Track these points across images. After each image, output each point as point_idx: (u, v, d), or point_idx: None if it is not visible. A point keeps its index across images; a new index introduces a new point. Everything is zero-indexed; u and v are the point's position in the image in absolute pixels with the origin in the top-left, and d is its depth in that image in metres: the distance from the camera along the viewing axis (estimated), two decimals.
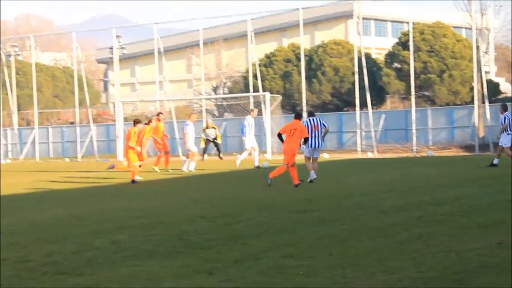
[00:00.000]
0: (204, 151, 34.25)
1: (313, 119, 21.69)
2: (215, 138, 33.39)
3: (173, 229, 12.56)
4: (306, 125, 21.26)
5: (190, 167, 29.90)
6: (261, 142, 46.85)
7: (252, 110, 32.42)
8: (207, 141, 33.39)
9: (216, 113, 59.27)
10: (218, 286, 8.10)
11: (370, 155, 41.98)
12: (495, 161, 25.80)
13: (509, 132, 25.79)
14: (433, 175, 23.58)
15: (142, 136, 25.93)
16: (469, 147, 41.40)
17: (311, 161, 21.81)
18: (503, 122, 26.04)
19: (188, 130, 30.10)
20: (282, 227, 12.33)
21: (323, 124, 21.82)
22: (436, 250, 9.68)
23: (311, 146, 21.46)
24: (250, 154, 31.52)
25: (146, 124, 28.18)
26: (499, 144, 26.29)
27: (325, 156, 42.08)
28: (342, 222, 12.82)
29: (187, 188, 22.49)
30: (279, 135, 21.03)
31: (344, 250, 10.04)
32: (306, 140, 21.02)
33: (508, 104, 30.26)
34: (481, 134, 41.38)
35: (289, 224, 12.73)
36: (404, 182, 20.97)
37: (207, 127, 33.54)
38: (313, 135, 21.32)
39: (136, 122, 25.59)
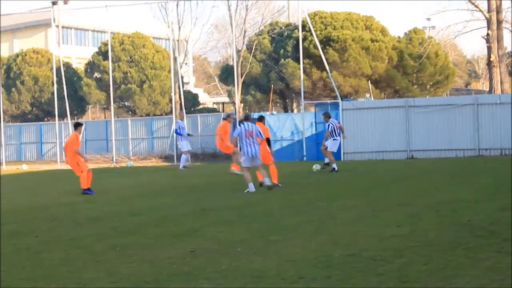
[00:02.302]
0: None
1: (248, 125, 19.68)
2: None
3: None
4: (240, 131, 19.54)
5: None
6: None
7: (180, 113, 34.63)
8: None
9: None
10: None
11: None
12: (334, 165, 26.07)
13: (336, 137, 26.77)
14: (132, 186, 23.78)
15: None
16: (168, 157, 42.27)
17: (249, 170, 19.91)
18: (327, 129, 26.60)
19: None
20: None
21: (259, 132, 19.87)
22: (129, 260, 9.80)
23: (248, 154, 19.56)
24: None
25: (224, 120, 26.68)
26: (328, 149, 26.82)
27: (23, 167, 41.05)
28: (37, 234, 12.63)
29: None
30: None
31: (38, 263, 9.91)
32: (268, 141, 20.82)
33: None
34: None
35: None
36: (102, 193, 20.91)
37: None
38: (248, 142, 19.53)
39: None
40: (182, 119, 33.64)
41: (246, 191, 19.10)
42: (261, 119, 22.19)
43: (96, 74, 51.37)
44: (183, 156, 32.74)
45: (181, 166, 31.94)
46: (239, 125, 20.03)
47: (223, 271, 8.94)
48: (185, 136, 32.71)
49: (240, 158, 20.00)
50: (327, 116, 27.34)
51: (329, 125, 26.73)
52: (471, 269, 8.56)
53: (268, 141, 21.11)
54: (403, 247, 10.00)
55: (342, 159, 35.05)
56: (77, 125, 21.96)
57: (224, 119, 28.99)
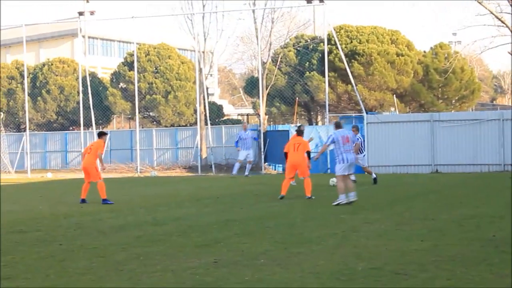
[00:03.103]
0: None
1: (344, 131, 18.97)
2: None
3: None
4: (336, 139, 18.68)
5: None
6: None
7: (244, 124, 36.38)
8: None
9: None
10: None
11: None
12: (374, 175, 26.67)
13: (364, 152, 27.76)
14: (155, 195, 23.83)
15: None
16: (192, 168, 42.36)
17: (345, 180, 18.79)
18: (358, 141, 26.45)
19: None
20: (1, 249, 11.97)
21: (354, 137, 19.38)
22: (153, 270, 9.82)
23: (346, 162, 18.63)
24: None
25: None
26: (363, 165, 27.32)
27: (48, 176, 41.29)
28: (61, 242, 12.69)
29: None
30: (285, 154, 21.25)
31: (62, 271, 9.95)
32: (309, 154, 20.95)
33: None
34: (204, 155, 42.51)
35: (9, 245, 12.41)
36: (126, 202, 21.00)
37: None
38: (346, 148, 18.65)
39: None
40: (245, 129, 34.51)
41: (335, 203, 18.29)
42: (300, 132, 22.06)
43: (122, 84, 51.58)
44: (236, 164, 34.63)
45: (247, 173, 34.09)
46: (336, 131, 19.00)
47: (246, 282, 8.94)
48: (249, 147, 34.53)
49: (336, 166, 18.91)
50: (357, 129, 27.02)
51: (358, 139, 26.54)
52: (495, 284, 8.52)
53: (308, 154, 21.05)
54: (427, 262, 9.95)
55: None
56: (101, 134, 21.98)
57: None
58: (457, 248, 11.07)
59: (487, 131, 34.00)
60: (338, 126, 19.32)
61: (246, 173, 34.19)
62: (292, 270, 9.60)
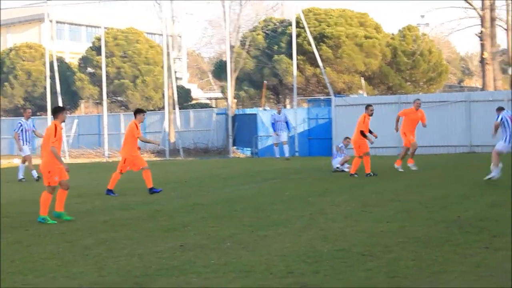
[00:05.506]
0: None
1: (507, 112, 18.57)
2: None
3: None
4: (505, 120, 18.30)
5: None
6: None
7: (278, 107, 34.98)
8: None
9: None
10: None
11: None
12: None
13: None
14: (123, 180, 23.69)
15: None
16: (160, 152, 42.25)
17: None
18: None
19: None
20: None
21: None
22: (119, 254, 9.83)
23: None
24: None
25: None
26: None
27: (16, 162, 40.97)
28: (27, 228, 12.65)
29: None
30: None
31: (28, 256, 9.96)
32: (362, 133, 21.65)
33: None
34: (172, 139, 42.43)
35: None
36: (93, 187, 20.90)
37: None
38: None
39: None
40: (279, 112, 33.22)
41: (488, 177, 17.85)
42: (367, 106, 22.37)
43: (90, 69, 51.32)
44: (280, 147, 32.78)
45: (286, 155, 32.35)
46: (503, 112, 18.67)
47: (212, 265, 8.97)
48: (282, 129, 32.44)
49: (499, 142, 18.62)
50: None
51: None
52: (459, 265, 8.60)
53: (361, 132, 21.87)
54: (392, 243, 10.03)
55: None
56: (136, 112, 19.14)
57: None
58: (422, 229, 11.16)
59: (454, 113, 34.24)
60: (502, 109, 19.12)
61: (287, 155, 32.32)
62: (258, 253, 9.63)
